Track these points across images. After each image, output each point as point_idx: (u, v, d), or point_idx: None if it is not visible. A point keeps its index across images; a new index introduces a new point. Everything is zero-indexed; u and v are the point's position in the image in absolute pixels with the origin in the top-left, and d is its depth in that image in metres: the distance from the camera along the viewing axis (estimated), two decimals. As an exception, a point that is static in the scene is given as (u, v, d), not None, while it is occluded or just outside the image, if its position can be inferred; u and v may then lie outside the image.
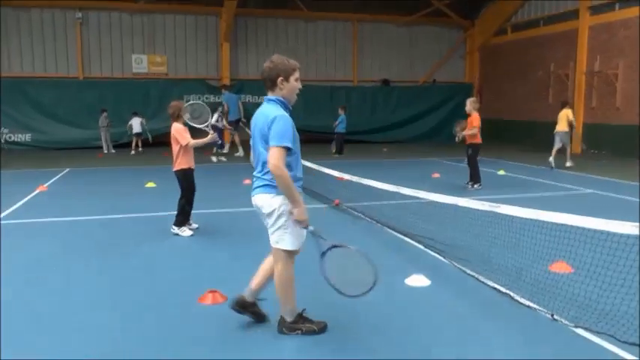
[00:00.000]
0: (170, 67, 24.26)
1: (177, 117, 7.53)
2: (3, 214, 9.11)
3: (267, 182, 4.07)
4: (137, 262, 6.40)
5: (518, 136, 24.09)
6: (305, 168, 10.57)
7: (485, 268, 5.78)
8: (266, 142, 3.96)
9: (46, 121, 22.24)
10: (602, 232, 3.99)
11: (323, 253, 4.04)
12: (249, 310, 4.44)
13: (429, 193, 6.35)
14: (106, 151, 20.57)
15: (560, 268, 5.75)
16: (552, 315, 4.51)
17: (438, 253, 6.52)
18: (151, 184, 12.13)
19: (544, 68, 22.88)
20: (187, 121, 7.68)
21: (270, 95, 4.12)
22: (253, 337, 4.28)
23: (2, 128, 21.53)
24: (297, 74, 4.10)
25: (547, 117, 22.82)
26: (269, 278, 4.37)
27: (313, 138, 24.73)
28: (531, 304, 4.78)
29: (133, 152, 20.44)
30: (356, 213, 9.07)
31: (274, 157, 3.86)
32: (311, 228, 4.04)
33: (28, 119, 22.02)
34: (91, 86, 22.93)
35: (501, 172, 14.27)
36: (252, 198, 4.21)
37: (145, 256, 6.64)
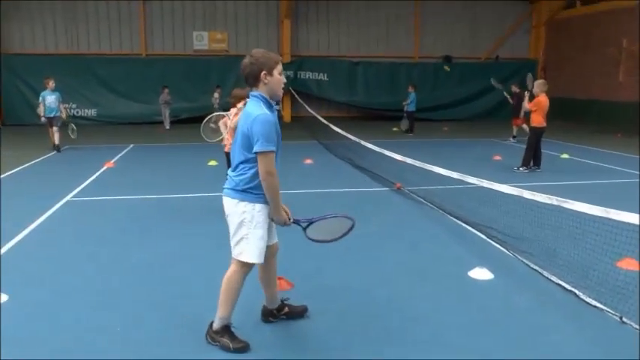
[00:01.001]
0: (231, 43, 24.51)
1: (233, 104, 7.81)
2: (75, 191, 9.52)
3: (234, 186, 3.87)
4: (199, 243, 6.57)
5: (585, 116, 23.25)
6: (365, 150, 10.65)
7: (550, 263, 5.68)
8: (247, 143, 3.74)
9: (111, 97, 23.04)
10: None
11: (304, 229, 4.03)
12: (281, 314, 4.47)
13: (493, 183, 6.24)
14: (167, 127, 21.06)
15: (629, 265, 5.58)
16: (621, 318, 4.40)
17: (500, 244, 6.43)
18: (213, 162, 12.35)
19: (615, 44, 21.88)
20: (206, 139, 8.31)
21: (254, 91, 3.85)
22: (316, 326, 4.37)
23: (70, 103, 22.41)
24: (280, 67, 3.82)
25: (617, 96, 22.01)
26: (274, 279, 4.39)
27: (374, 115, 24.68)
28: (598, 305, 4.67)
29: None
30: (418, 198, 9.02)
31: (265, 164, 3.68)
32: (291, 220, 3.96)
33: (94, 95, 22.88)
34: (153, 63, 23.45)
35: (565, 156, 13.82)
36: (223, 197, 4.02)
37: (207, 239, 6.78)
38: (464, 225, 7.38)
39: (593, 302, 4.72)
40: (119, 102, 22.96)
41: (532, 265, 5.69)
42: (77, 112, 22.52)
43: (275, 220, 3.90)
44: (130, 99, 22.95)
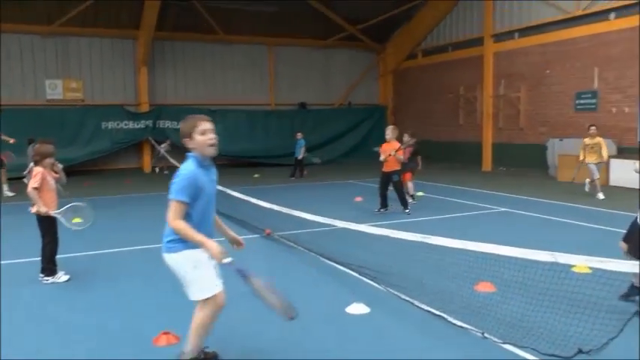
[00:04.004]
0: (87, 92, 23.80)
1: (38, 162, 7.41)
2: None
3: (169, 239, 4.16)
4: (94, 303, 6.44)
5: (433, 156, 25.17)
6: (230, 197, 10.84)
7: (419, 293, 6.25)
8: None
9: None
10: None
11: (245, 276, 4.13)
12: None
13: (360, 224, 6.79)
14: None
15: (485, 287, 6.35)
16: (483, 333, 5.04)
17: (372, 280, 6.92)
18: (77, 220, 11.83)
19: (454, 91, 24.28)
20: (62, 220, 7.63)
21: (190, 152, 4.23)
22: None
23: None
24: (200, 128, 4.10)
25: (458, 137, 24.30)
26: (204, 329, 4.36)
27: (234, 163, 24.92)
28: (464, 325, 5.30)
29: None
30: (288, 242, 9.34)
31: (169, 210, 4.05)
32: (228, 259, 4.01)
33: None
34: (1, 114, 21.98)
35: (420, 194, 14.96)
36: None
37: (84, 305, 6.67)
38: (335, 265, 7.78)
39: (459, 323, 5.35)
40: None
41: (403, 297, 6.24)
42: None
43: (211, 254, 3.98)
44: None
